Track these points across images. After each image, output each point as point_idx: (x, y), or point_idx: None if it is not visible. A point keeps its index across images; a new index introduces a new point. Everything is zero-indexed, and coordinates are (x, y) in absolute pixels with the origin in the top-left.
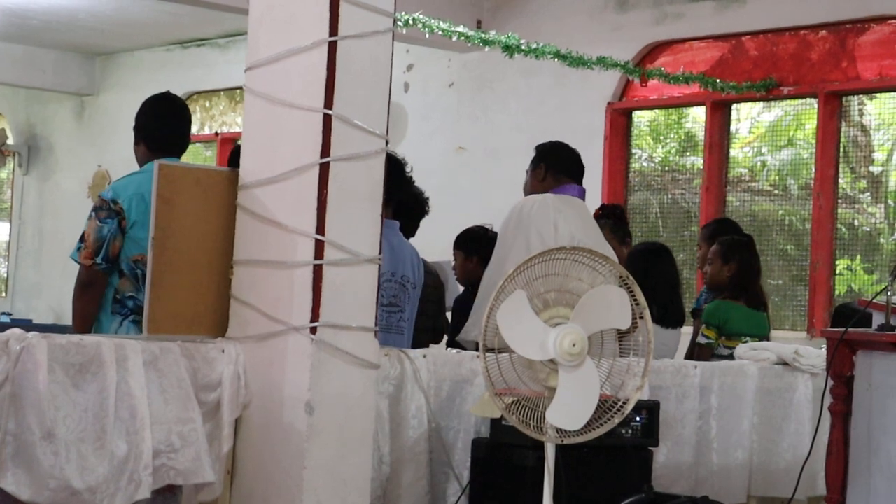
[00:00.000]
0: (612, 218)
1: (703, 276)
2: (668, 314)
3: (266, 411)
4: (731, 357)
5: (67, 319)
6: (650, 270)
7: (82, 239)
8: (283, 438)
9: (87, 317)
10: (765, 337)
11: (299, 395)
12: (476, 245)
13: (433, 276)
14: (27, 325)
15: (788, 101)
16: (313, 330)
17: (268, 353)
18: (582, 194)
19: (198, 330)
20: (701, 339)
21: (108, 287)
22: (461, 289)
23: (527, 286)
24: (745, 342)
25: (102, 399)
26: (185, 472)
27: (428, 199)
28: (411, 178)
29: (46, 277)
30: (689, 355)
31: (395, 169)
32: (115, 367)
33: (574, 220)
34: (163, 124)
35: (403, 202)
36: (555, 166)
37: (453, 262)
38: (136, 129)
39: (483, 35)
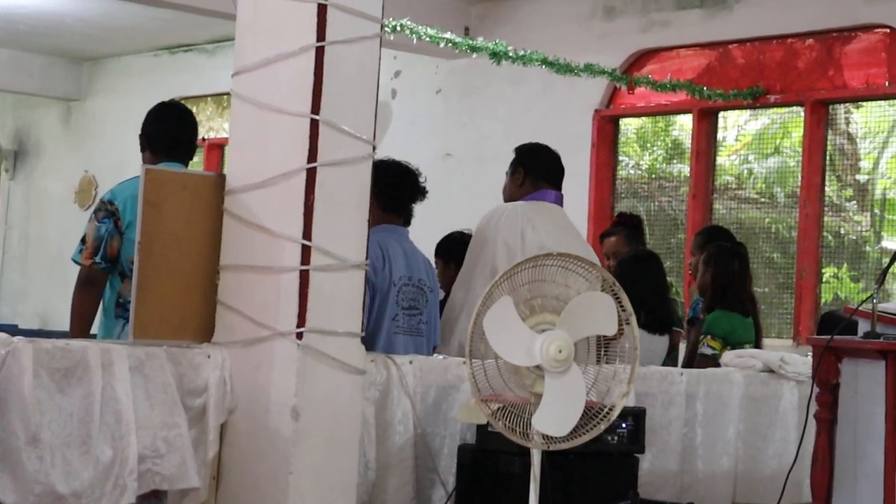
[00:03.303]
0: (629, 227)
1: (692, 281)
2: (655, 320)
3: (252, 416)
4: None
5: (53, 324)
6: (639, 277)
7: (83, 241)
8: (269, 444)
9: (85, 315)
10: (753, 343)
11: (285, 401)
12: (455, 252)
13: None
14: (12, 330)
15: (775, 110)
16: (300, 335)
17: (254, 359)
18: (559, 200)
19: (184, 335)
20: (706, 350)
21: (112, 290)
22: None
23: (513, 292)
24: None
25: (88, 404)
26: (170, 478)
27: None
28: (425, 189)
29: (32, 282)
30: (688, 365)
31: (411, 179)
32: (100, 371)
33: (546, 229)
34: (166, 130)
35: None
36: (533, 172)
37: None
38: (142, 135)
39: (471, 42)
